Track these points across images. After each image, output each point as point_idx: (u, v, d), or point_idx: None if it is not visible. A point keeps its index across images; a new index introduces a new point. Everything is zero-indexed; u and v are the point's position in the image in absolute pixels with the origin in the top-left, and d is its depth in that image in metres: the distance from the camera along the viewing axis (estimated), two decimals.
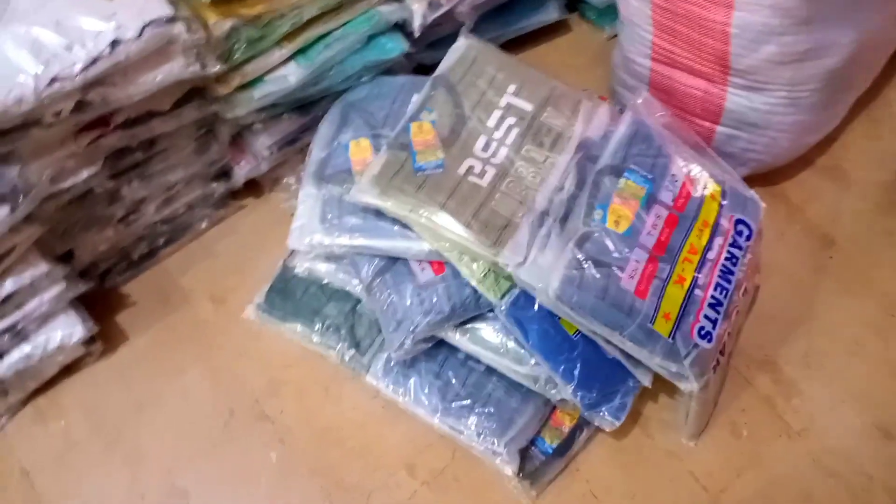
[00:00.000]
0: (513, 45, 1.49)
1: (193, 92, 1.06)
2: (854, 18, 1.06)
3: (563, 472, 1.09)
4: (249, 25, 1.05)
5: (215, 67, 1.02)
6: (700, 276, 0.97)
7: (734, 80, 1.13)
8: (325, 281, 1.11)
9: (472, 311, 1.01)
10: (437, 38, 1.31)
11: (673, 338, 0.93)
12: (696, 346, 0.94)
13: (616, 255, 0.94)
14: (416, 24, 1.21)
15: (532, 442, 1.06)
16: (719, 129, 1.19)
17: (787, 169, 1.36)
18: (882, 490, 1.09)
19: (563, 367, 1.00)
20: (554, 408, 1.07)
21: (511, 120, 1.03)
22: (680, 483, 1.10)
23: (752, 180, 1.32)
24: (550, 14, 1.46)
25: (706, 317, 0.96)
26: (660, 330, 0.93)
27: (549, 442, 1.07)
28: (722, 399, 1.15)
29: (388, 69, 1.24)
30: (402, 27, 1.24)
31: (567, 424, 1.08)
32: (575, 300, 0.92)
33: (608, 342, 0.96)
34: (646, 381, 1.01)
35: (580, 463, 1.10)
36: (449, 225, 0.94)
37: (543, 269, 0.94)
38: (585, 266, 0.93)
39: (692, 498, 1.09)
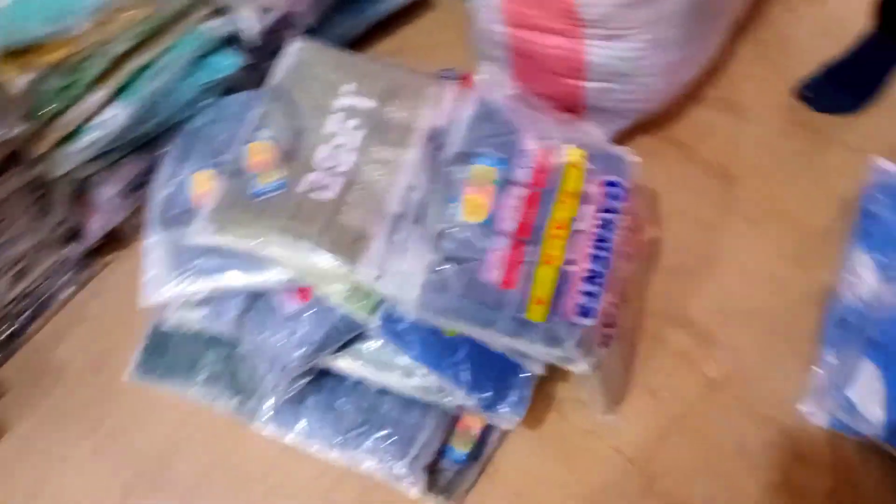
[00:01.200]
0: (375, 34, 1.42)
1: (11, 157, 0.98)
2: None
3: (481, 477, 1.04)
4: (53, 74, 0.97)
5: (21, 128, 0.94)
6: (572, 251, 0.91)
7: (590, 31, 1.06)
8: (199, 328, 1.04)
9: (347, 333, 0.95)
10: (282, 42, 1.22)
11: (550, 322, 0.87)
12: (577, 325, 0.88)
13: (476, 248, 0.88)
14: (253, 34, 1.13)
15: (441, 453, 1.01)
16: (588, 85, 1.13)
17: (676, 110, 1.30)
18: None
19: (451, 373, 0.94)
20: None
21: (353, 122, 0.96)
22: (606, 461, 1.05)
23: (639, 130, 1.27)
24: None
25: (585, 293, 0.90)
26: (534, 317, 0.87)
27: (461, 449, 1.02)
28: (636, 364, 1.11)
29: (231, 87, 1.16)
30: (236, 40, 1.15)
31: (476, 426, 1.02)
32: (438, 305, 0.86)
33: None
34: (537, 369, 0.95)
35: (499, 462, 1.05)
36: (295, 249, 0.87)
37: (404, 277, 0.88)
38: (446, 267, 0.87)
39: (621, 474, 1.04)
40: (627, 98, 1.13)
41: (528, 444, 1.06)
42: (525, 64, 1.15)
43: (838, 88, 1.28)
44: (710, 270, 1.17)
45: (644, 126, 1.26)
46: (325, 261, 0.87)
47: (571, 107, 1.17)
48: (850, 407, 1.01)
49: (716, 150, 1.27)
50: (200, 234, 0.90)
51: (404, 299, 0.87)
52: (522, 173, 0.92)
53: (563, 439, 1.07)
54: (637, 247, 1.03)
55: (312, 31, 1.23)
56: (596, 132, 1.16)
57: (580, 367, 0.90)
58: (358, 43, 1.38)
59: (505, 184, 0.91)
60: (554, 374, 1.05)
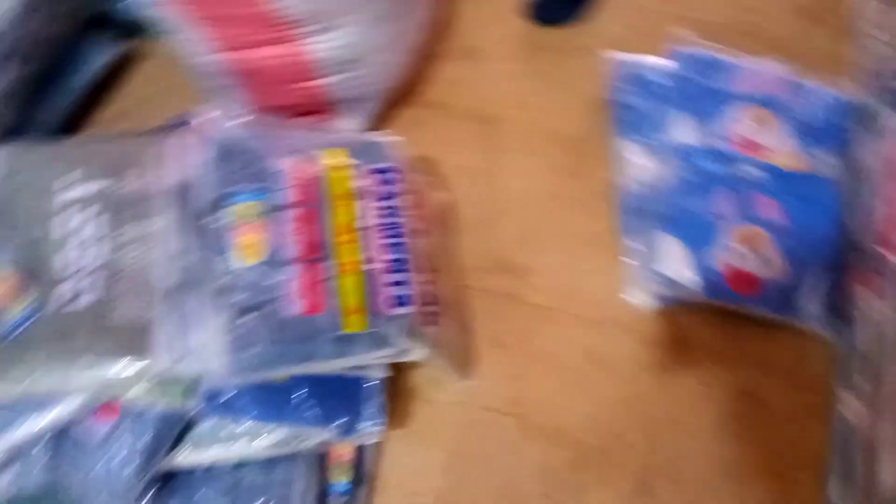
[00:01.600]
0: (93, 104, 1.30)
1: None
2: None
3: (373, 495, 1.02)
4: None
5: None
6: (366, 250, 0.89)
7: (301, 31, 1.03)
8: (10, 496, 0.92)
9: (173, 428, 0.89)
10: None
11: (371, 327, 0.86)
12: (398, 318, 0.87)
13: (267, 288, 0.84)
14: None
15: (325, 493, 0.98)
16: (323, 82, 1.10)
17: (423, 74, 1.31)
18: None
19: (297, 418, 0.91)
20: None
21: (91, 210, 0.88)
22: (482, 423, 1.07)
23: (396, 105, 1.27)
24: (107, 53, 1.28)
25: (395, 283, 0.89)
26: (354, 329, 0.85)
27: (341, 479, 0.99)
28: (476, 324, 1.13)
29: None
30: None
31: (347, 453, 1.00)
32: (251, 362, 0.81)
33: None
34: (380, 373, 0.94)
35: (385, 473, 1.04)
36: (74, 371, 0.79)
37: (204, 349, 0.82)
38: (244, 320, 0.82)
39: (501, 431, 1.07)
40: (367, 81, 1.12)
41: (405, 443, 1.05)
42: (254, 84, 1.11)
43: (569, 3, 1.35)
44: (504, 210, 1.21)
45: (398, 100, 1.27)
46: (112, 369, 0.80)
47: (317, 108, 1.15)
48: (666, 280, 1.09)
49: (471, 98, 1.30)
50: None
51: (213, 371, 0.82)
52: (286, 195, 0.89)
53: (435, 422, 1.07)
54: (429, 218, 1.03)
55: (16, 131, 1.11)
56: (350, 125, 1.15)
57: (418, 353, 0.90)
58: (77, 121, 1.27)
59: (272, 212, 0.87)
60: (401, 366, 1.05)
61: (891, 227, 1.05)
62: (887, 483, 0.84)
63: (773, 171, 1.13)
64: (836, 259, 1.09)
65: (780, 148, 1.16)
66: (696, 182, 1.12)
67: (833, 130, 1.18)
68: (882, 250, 1.05)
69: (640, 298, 1.14)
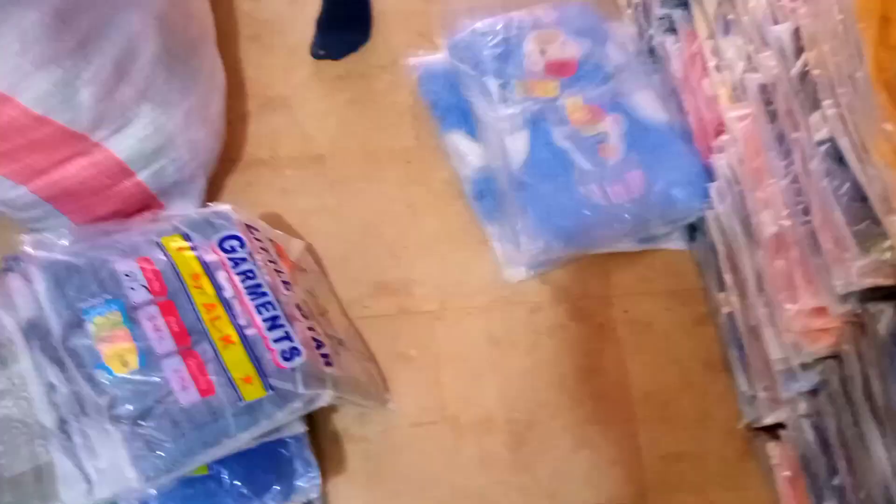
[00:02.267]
0: None
1: None
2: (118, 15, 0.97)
3: None
4: None
5: None
6: (239, 318, 0.89)
7: (97, 136, 1.01)
8: None
9: None
10: None
11: (271, 388, 0.85)
12: (294, 370, 0.87)
13: (153, 388, 0.81)
14: None
15: None
16: (141, 176, 1.08)
17: (237, 136, 1.31)
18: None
19: (230, 501, 0.88)
20: None
21: None
22: (416, 440, 1.08)
23: (224, 172, 1.26)
24: None
25: (277, 340, 0.89)
26: (254, 396, 0.84)
27: None
28: (374, 347, 1.14)
29: None
30: None
31: None
32: (162, 465, 0.79)
33: None
34: (299, 429, 0.93)
35: None
36: None
37: (111, 470, 0.79)
38: (139, 428, 0.79)
39: (436, 440, 1.08)
40: (183, 161, 1.11)
41: (351, 484, 1.05)
42: (72, 202, 1.06)
43: (343, 30, 1.39)
44: (364, 235, 1.23)
45: (222, 170, 1.26)
46: None
47: (143, 204, 1.12)
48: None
49: (294, 144, 1.31)
50: None
51: (128, 487, 0.78)
52: (140, 294, 0.86)
53: (371, 457, 1.07)
54: (292, 268, 1.03)
55: None
56: (183, 208, 1.13)
57: (325, 397, 0.90)
58: None
59: (133, 315, 0.85)
60: (321, 415, 1.05)
61: (701, 134, 1.16)
62: (775, 356, 0.93)
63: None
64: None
65: (578, 50, 1.25)
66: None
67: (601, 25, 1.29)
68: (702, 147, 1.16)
69: (517, 272, 1.19)
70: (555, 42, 1.28)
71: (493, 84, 1.23)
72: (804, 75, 0.82)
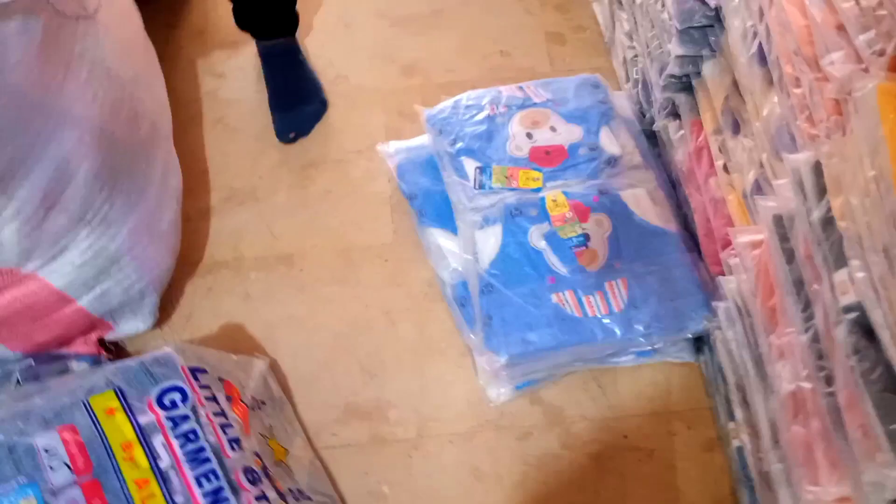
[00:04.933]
0: None
1: None
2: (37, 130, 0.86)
3: None
4: None
5: None
6: (175, 494, 0.77)
7: (27, 267, 0.91)
8: None
9: None
10: None
11: None
12: None
13: None
14: None
15: None
16: (81, 302, 0.97)
17: (197, 237, 1.20)
18: None
19: None
20: None
21: None
22: None
23: (181, 281, 1.15)
24: None
25: None
26: None
27: None
28: (343, 484, 1.02)
29: None
30: None
31: None
32: None
33: None
34: None
35: None
36: None
37: None
38: None
39: None
40: (130, 282, 1.00)
41: None
42: (9, 330, 0.96)
43: (299, 104, 1.29)
44: (336, 349, 1.11)
45: (181, 276, 1.15)
46: None
47: (89, 327, 1.01)
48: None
49: (260, 243, 1.20)
50: None
51: None
52: (62, 475, 0.75)
53: None
54: (244, 413, 0.92)
55: None
56: (134, 328, 1.03)
57: None
58: None
59: (51, 501, 0.74)
60: None
61: (707, 239, 1.04)
62: None
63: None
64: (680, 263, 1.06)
65: (569, 136, 1.14)
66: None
67: (596, 108, 1.18)
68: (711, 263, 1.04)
69: (502, 391, 1.07)
70: (544, 125, 1.16)
71: (470, 166, 1.12)
72: (828, 221, 0.70)
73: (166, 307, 1.12)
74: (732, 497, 1.00)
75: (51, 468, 0.76)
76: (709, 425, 1.05)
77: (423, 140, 1.22)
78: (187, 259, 1.17)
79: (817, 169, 0.71)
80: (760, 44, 0.84)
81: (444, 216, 1.14)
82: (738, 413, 0.95)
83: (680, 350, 1.08)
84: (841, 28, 0.68)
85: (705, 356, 1.07)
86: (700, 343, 1.08)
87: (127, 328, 1.05)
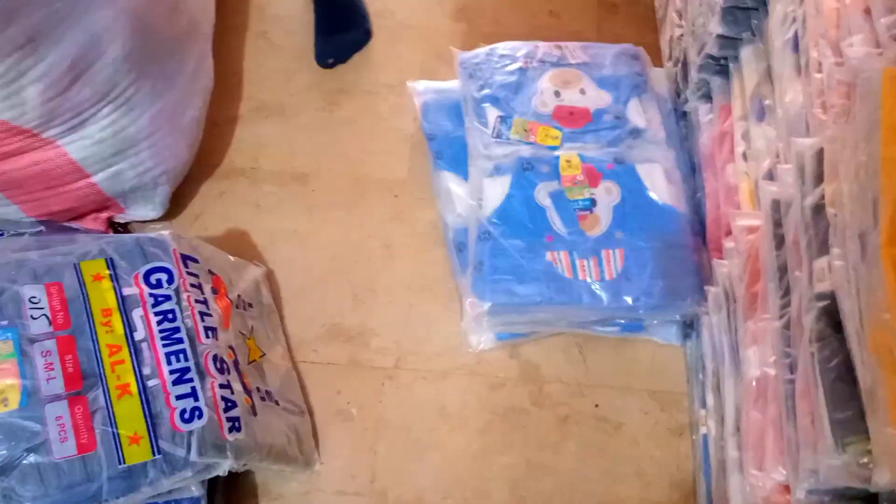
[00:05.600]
0: None
1: None
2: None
3: None
4: None
5: None
6: (144, 366, 0.81)
7: (50, 133, 0.94)
8: None
9: None
10: None
11: (160, 452, 0.77)
12: (191, 433, 0.79)
13: (27, 435, 0.74)
14: None
15: None
16: (95, 178, 1.01)
17: (220, 140, 1.23)
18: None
19: None
20: None
21: None
22: None
23: (197, 179, 1.19)
24: None
25: (180, 396, 0.80)
26: (138, 459, 0.76)
27: None
28: (314, 398, 1.05)
29: None
30: None
31: None
32: None
33: None
34: (196, 491, 0.85)
35: None
36: None
37: None
38: (8, 480, 0.72)
39: None
40: (145, 168, 1.03)
41: None
42: (23, 194, 1.00)
43: (344, 31, 1.30)
44: (330, 270, 1.14)
45: (198, 174, 1.18)
46: None
47: (100, 205, 1.05)
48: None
49: (279, 158, 1.22)
50: None
51: None
52: (40, 324, 0.79)
53: None
54: (226, 309, 0.95)
55: None
56: (143, 214, 1.06)
57: (223, 466, 0.82)
58: None
59: (26, 348, 0.78)
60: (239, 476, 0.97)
61: (714, 225, 1.02)
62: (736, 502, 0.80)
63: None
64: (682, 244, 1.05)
65: (596, 101, 1.13)
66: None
67: (630, 79, 1.16)
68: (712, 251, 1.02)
69: (484, 339, 1.08)
70: (574, 86, 1.15)
71: (492, 114, 1.12)
72: (819, 209, 0.68)
73: (178, 203, 1.16)
74: (691, 483, 1.00)
75: (32, 318, 0.79)
76: (682, 410, 1.05)
77: (454, 84, 1.22)
78: (206, 161, 1.20)
79: (819, 155, 0.70)
80: (796, 30, 0.82)
81: (460, 162, 1.15)
82: (710, 400, 0.94)
83: (668, 332, 1.08)
84: (868, 12, 0.66)
85: (691, 342, 1.06)
86: (688, 329, 1.07)
87: (137, 213, 1.09)
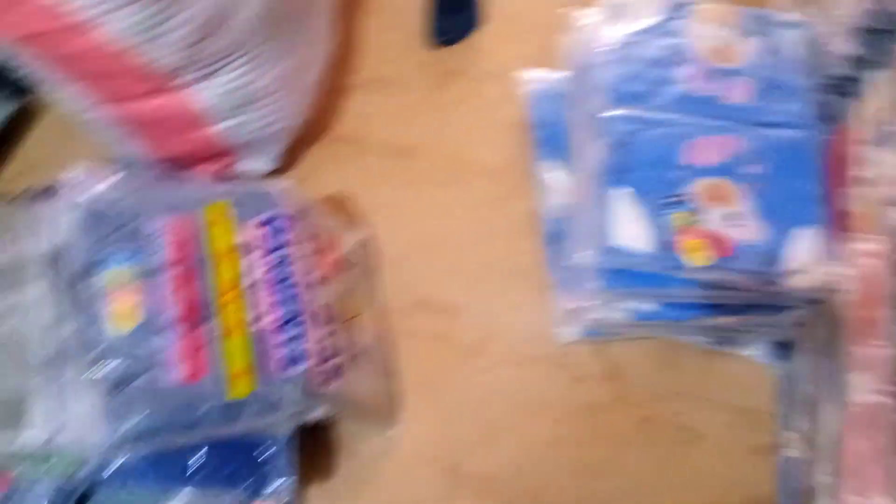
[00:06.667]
0: None
1: None
2: None
3: None
4: None
5: None
6: (254, 307, 0.84)
7: (181, 80, 0.98)
8: None
9: (67, 501, 0.83)
10: None
11: (261, 390, 0.80)
12: (291, 378, 0.82)
13: (143, 356, 0.78)
14: None
15: None
16: (217, 128, 1.05)
17: (332, 106, 1.26)
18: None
19: (197, 483, 0.85)
20: None
21: None
22: (410, 475, 1.01)
23: (305, 143, 1.22)
24: (3, 110, 1.22)
25: (287, 341, 0.83)
26: (241, 394, 0.79)
27: None
28: (400, 365, 1.07)
29: None
30: None
31: None
32: (128, 435, 0.76)
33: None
34: (285, 432, 0.88)
35: None
36: None
37: (79, 423, 0.77)
38: (119, 393, 0.76)
39: (430, 482, 1.01)
40: (264, 123, 1.07)
41: (328, 499, 0.99)
42: (145, 136, 1.05)
43: (456, 13, 1.31)
44: (425, 246, 1.15)
45: (309, 137, 1.21)
46: None
47: (218, 154, 1.09)
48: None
49: (385, 130, 1.25)
50: None
51: (91, 445, 0.76)
52: (162, 256, 0.83)
53: (360, 476, 1.00)
54: (337, 263, 0.97)
55: None
56: (254, 167, 1.10)
57: (317, 413, 0.85)
58: None
59: (148, 275, 0.82)
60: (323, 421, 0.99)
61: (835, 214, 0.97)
62: None
63: (744, 111, 0.99)
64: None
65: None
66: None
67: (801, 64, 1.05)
68: None
69: (571, 332, 1.08)
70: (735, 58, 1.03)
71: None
72: None
73: (288, 163, 1.19)
74: None
75: (156, 249, 0.83)
76: (766, 430, 1.02)
77: (564, 76, 1.21)
78: (318, 125, 1.23)
79: None
80: None
81: (560, 153, 1.15)
82: (800, 423, 0.93)
83: (760, 350, 1.06)
84: None
85: (784, 362, 1.04)
86: (782, 348, 1.05)
87: (249, 165, 1.12)
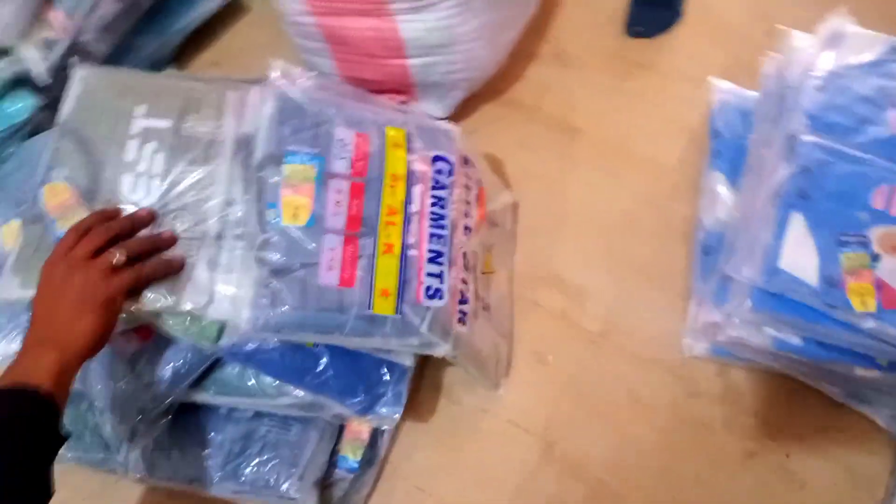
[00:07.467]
0: (190, 48, 1.34)
1: None
2: None
3: (379, 480, 1.00)
4: None
5: None
6: (409, 235, 0.87)
7: (397, 6, 1.02)
8: None
9: (199, 365, 0.89)
10: None
11: (400, 312, 0.83)
12: (428, 309, 0.84)
13: (304, 252, 0.82)
14: (41, 72, 1.04)
15: (334, 464, 0.97)
16: (410, 62, 1.09)
17: (511, 71, 1.28)
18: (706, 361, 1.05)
19: (316, 385, 0.90)
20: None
21: (151, 146, 0.88)
22: (502, 436, 1.02)
23: (479, 98, 1.24)
24: (212, 1, 1.30)
25: (430, 274, 0.86)
26: (382, 311, 0.82)
27: (353, 456, 0.97)
28: (518, 332, 1.08)
29: (36, 129, 1.07)
30: (27, 81, 1.06)
31: (365, 431, 0.98)
32: (275, 322, 0.80)
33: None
34: (406, 361, 0.92)
35: (396, 460, 1.01)
36: None
37: (234, 299, 0.82)
38: (275, 279, 0.81)
39: (520, 447, 1.02)
40: (453, 69, 1.09)
41: (422, 437, 1.02)
42: (343, 53, 1.10)
43: (656, 9, 1.30)
44: (570, 224, 1.16)
45: (483, 93, 1.24)
46: (147, 298, 0.81)
47: (401, 87, 1.13)
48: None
49: (556, 104, 1.25)
50: (4, 289, 0.82)
51: (238, 322, 0.81)
52: (341, 164, 0.87)
53: (456, 424, 1.03)
54: (484, 217, 0.99)
55: (114, 59, 1.15)
56: (429, 109, 1.13)
57: (441, 349, 0.87)
58: (174, 61, 1.31)
59: (325, 179, 0.86)
60: (434, 361, 1.02)
61: None
62: None
63: None
64: None
65: None
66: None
67: None
68: None
69: (700, 347, 1.05)
70: None
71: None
72: None
73: (459, 113, 1.22)
74: None
75: (337, 156, 0.87)
76: (874, 497, 0.97)
77: (755, 95, 1.18)
78: (495, 86, 1.25)
79: None
80: None
81: (736, 168, 1.12)
82: None
83: (889, 416, 1.00)
84: None
85: None
86: None
87: (426, 106, 1.16)
